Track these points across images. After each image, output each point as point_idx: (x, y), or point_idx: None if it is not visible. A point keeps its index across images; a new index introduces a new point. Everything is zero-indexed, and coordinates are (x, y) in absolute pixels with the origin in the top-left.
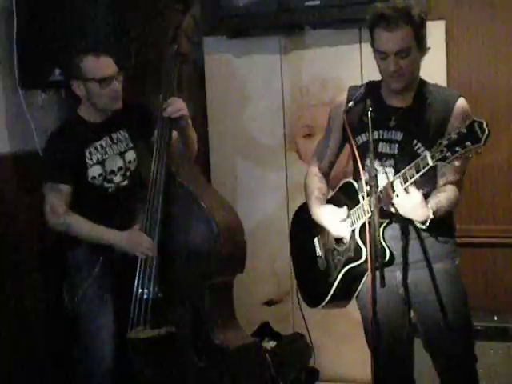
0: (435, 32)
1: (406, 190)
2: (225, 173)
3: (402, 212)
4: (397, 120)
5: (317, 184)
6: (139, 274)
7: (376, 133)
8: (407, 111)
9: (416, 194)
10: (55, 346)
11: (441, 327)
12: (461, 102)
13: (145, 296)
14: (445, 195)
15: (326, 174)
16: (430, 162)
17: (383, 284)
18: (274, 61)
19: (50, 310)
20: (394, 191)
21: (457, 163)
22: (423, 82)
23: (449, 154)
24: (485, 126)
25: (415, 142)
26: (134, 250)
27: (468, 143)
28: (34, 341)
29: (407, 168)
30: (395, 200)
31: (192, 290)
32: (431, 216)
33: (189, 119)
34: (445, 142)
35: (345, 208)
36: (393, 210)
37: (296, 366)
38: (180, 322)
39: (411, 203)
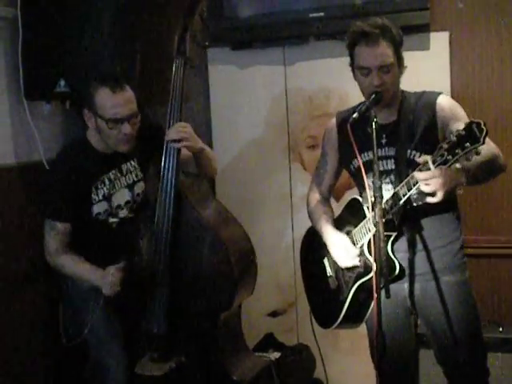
0: (439, 43)
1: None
2: (229, 183)
3: (434, 187)
4: (387, 137)
5: (321, 209)
6: (149, 307)
7: (370, 153)
8: (395, 126)
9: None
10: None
11: (452, 340)
12: (441, 98)
13: (155, 330)
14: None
15: (326, 198)
16: (432, 167)
17: (388, 295)
18: (278, 72)
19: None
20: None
21: (458, 165)
22: (404, 94)
23: (449, 157)
24: (482, 125)
25: (409, 151)
26: (105, 291)
27: (467, 144)
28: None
29: (410, 176)
30: (425, 179)
31: (206, 321)
32: (464, 180)
33: (201, 145)
34: (445, 146)
35: (357, 248)
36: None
37: (300, 378)
38: (191, 354)
39: (440, 171)
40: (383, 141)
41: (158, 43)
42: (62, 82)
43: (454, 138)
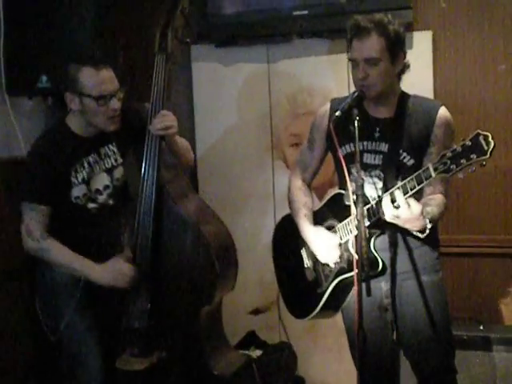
0: (422, 42)
1: (406, 201)
2: (212, 182)
3: (400, 223)
4: (381, 131)
5: (303, 199)
6: (130, 302)
7: (360, 144)
8: (390, 122)
9: (416, 206)
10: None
11: (422, 339)
12: (443, 111)
13: (136, 325)
14: (435, 203)
15: (308, 186)
16: (433, 174)
17: (369, 293)
18: (262, 70)
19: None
20: (394, 202)
21: (460, 175)
22: (404, 94)
23: (453, 166)
24: (490, 138)
25: (401, 151)
26: (119, 283)
27: (473, 155)
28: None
29: (407, 179)
30: (395, 212)
31: (187, 316)
32: (429, 226)
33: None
34: (448, 155)
35: (337, 235)
36: (392, 220)
37: (282, 375)
38: (173, 349)
39: (411, 215)
40: (376, 134)
41: (141, 39)
42: (44, 78)
43: (458, 148)
